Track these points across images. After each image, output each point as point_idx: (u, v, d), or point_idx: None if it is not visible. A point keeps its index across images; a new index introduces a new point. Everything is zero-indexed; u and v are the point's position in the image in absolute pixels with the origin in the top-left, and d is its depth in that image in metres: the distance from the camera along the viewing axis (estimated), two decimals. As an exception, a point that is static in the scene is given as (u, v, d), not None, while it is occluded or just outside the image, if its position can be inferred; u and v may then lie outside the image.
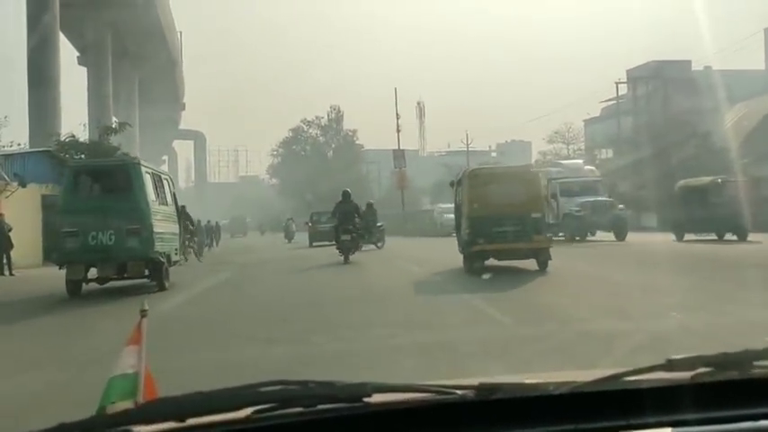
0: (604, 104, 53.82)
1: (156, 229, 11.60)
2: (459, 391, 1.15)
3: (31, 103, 31.90)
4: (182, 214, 15.10)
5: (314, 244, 27.84)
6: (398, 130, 42.34)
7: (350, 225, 16.76)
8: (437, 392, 1.15)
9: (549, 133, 52.48)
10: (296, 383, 1.14)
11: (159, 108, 70.26)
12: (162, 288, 11.78)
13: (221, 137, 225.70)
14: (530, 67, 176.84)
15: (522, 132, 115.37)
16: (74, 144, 22.80)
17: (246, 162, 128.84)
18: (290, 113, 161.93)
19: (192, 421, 1.08)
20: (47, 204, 21.28)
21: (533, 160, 54.31)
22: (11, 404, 4.51)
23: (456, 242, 13.60)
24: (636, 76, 48.40)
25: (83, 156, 22.48)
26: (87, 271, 11.72)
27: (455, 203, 14.32)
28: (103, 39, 45.14)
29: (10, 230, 18.42)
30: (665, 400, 1.15)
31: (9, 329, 8.61)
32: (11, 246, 18.36)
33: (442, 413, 1.14)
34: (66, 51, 52.58)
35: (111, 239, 11.13)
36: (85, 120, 41.82)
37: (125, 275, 11.88)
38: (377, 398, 1.12)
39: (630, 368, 1.20)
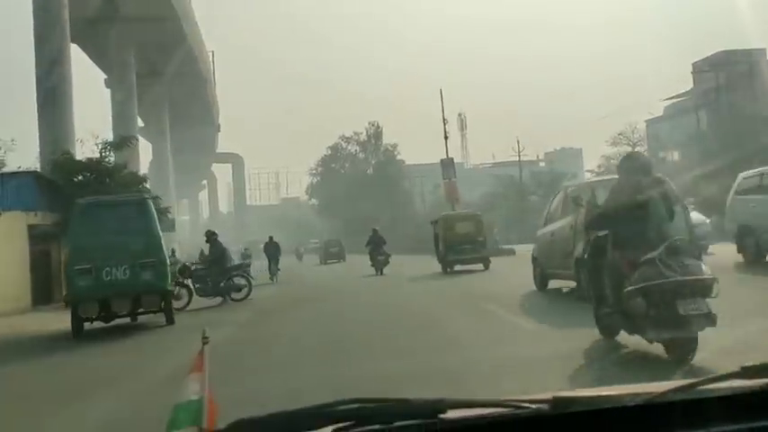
0: (668, 102, 49.16)
1: (167, 262, 12.33)
2: (533, 405, 1.16)
3: (41, 124, 29.31)
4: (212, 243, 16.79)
5: (328, 261, 42.36)
6: (446, 137, 38.46)
7: (381, 249, 23.56)
8: (512, 407, 1.17)
9: (611, 135, 47.66)
10: (372, 401, 1.19)
11: (193, 130, 68.23)
12: (171, 321, 12.05)
13: (261, 159, 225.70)
14: (576, 69, 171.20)
15: (572, 139, 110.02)
16: (68, 163, 19.71)
17: (287, 183, 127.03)
18: (329, 133, 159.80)
19: None
20: (35, 236, 18.23)
21: (596, 165, 49.37)
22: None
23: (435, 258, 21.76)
24: (703, 69, 43.69)
25: (81, 177, 19.43)
26: (101, 308, 11.70)
27: (434, 233, 22.01)
28: (126, 55, 42.86)
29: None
30: (741, 407, 1.15)
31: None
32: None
33: (518, 428, 1.15)
34: (93, 74, 50.68)
35: (125, 274, 11.52)
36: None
37: (140, 310, 12.11)
38: (452, 414, 1.15)
39: (704, 377, 1.20)
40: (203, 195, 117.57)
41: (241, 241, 61.93)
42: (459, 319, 9.66)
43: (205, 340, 1.78)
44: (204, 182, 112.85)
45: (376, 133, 72.47)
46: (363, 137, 72.62)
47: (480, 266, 19.53)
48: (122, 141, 21.56)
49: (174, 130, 62.24)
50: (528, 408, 1.16)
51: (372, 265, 23.00)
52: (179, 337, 10.39)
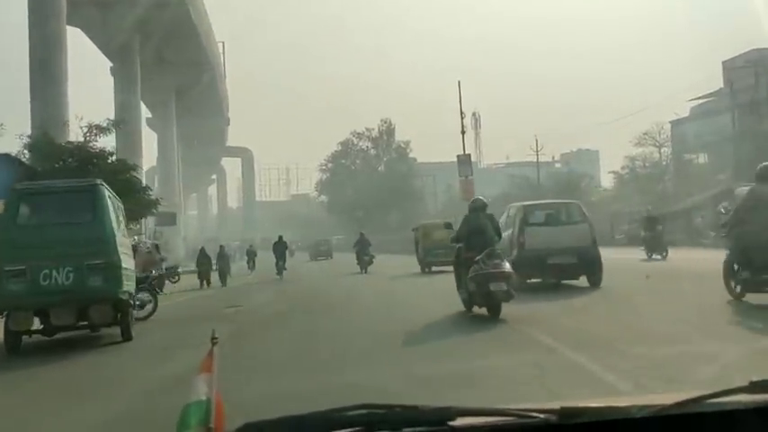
0: (695, 102, 46.91)
1: (123, 264, 9.90)
2: (542, 415, 1.17)
3: (33, 108, 27.60)
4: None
5: (318, 258, 45.23)
6: (463, 132, 36.40)
7: (366, 250, 25.88)
8: (520, 416, 1.18)
9: (635, 135, 45.31)
10: (381, 407, 1.19)
11: (202, 122, 66.71)
12: (127, 337, 9.79)
13: (272, 155, 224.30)
14: (596, 69, 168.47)
15: (589, 140, 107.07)
16: (46, 146, 17.85)
17: (297, 180, 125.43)
18: (340, 130, 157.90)
19: None
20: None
21: (620, 166, 47.01)
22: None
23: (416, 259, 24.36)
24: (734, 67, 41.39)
25: (63, 161, 17.63)
26: (41, 320, 9.76)
27: (415, 239, 24.90)
28: (131, 40, 41.12)
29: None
30: (749, 422, 1.16)
31: None
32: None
33: None
34: (100, 61, 49.10)
35: (68, 278, 9.25)
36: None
37: (87, 323, 9.83)
38: (461, 421, 1.15)
39: (713, 390, 1.19)
40: (213, 190, 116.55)
41: (246, 238, 60.44)
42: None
43: (214, 341, 1.76)
44: (214, 176, 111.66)
45: (388, 130, 70.63)
46: (375, 133, 70.76)
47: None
48: (113, 124, 19.60)
49: (182, 122, 60.76)
50: (536, 417, 1.17)
51: (358, 264, 25.86)
52: (125, 361, 8.52)
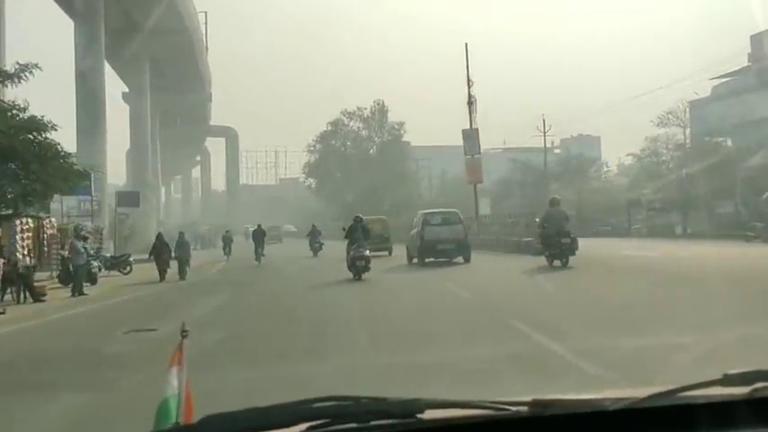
0: (717, 81, 42.99)
1: None
2: (512, 408, 1.15)
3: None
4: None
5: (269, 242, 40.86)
6: (470, 102, 31.96)
7: (317, 239, 31.28)
8: (490, 408, 1.15)
9: (657, 115, 40.95)
10: (349, 399, 1.17)
11: (182, 97, 62.09)
12: None
13: (259, 137, 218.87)
14: (596, 52, 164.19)
15: (588, 126, 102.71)
16: None
17: (286, 164, 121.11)
18: (330, 114, 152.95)
19: None
20: None
21: (639, 149, 42.58)
22: None
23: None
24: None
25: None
26: None
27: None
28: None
29: None
30: (722, 415, 1.15)
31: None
32: None
33: (496, 429, 1.14)
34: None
35: None
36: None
37: None
38: (430, 414, 1.13)
39: (687, 384, 1.19)
40: (198, 173, 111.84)
41: (217, 224, 56.88)
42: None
43: (184, 334, 1.71)
44: (198, 158, 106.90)
45: (381, 110, 66.29)
46: (367, 113, 66.36)
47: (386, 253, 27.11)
48: (20, 71, 15.12)
49: (161, 97, 56.20)
50: (507, 410, 1.15)
51: (311, 250, 30.83)
52: None
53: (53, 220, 19.28)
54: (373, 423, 1.10)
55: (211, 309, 11.83)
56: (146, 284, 18.67)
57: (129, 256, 23.35)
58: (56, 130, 14.48)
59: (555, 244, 16.25)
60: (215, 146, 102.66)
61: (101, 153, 36.02)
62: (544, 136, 48.30)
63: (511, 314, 8.83)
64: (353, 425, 1.10)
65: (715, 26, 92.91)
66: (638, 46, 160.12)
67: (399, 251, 25.06)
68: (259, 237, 29.17)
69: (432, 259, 20.51)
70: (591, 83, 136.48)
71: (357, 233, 17.02)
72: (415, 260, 21.31)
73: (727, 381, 1.17)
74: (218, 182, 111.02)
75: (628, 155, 45.24)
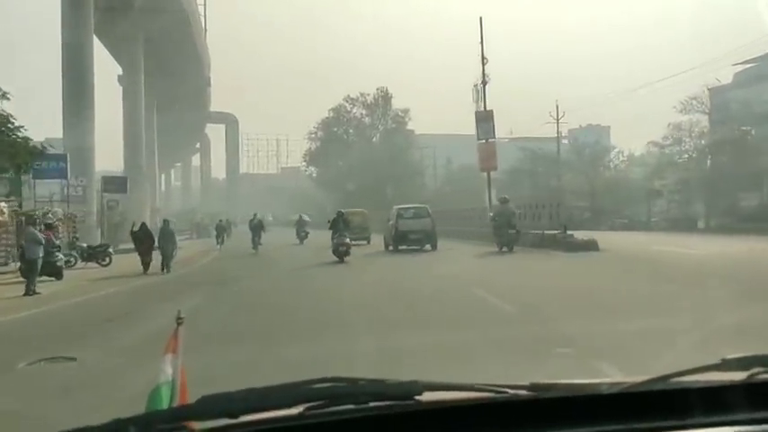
0: (740, 68, 40.78)
1: None
2: (510, 390, 1.16)
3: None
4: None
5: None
6: (484, 82, 29.89)
7: (304, 228, 34.49)
8: (489, 391, 1.16)
9: (680, 101, 38.71)
10: (347, 381, 1.17)
11: (179, 81, 59.94)
12: None
13: (260, 124, 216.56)
14: (608, 38, 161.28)
15: (595, 115, 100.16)
16: None
17: (288, 153, 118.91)
18: (332, 102, 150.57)
19: (244, 418, 1.09)
20: None
21: (660, 137, 40.36)
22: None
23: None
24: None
25: None
26: None
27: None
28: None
29: None
30: (719, 400, 1.15)
31: None
32: None
33: (494, 412, 1.14)
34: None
35: None
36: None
37: None
38: (428, 396, 1.13)
39: (684, 368, 1.19)
40: (198, 160, 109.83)
41: (215, 212, 55.12)
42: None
43: (179, 321, 1.71)
44: (198, 145, 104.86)
45: (385, 97, 64.12)
46: (370, 99, 64.22)
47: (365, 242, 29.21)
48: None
49: (158, 82, 54.13)
50: (505, 393, 1.16)
51: (297, 237, 33.55)
52: None
53: (3, 205, 17.05)
54: (371, 404, 1.10)
55: (187, 309, 9.88)
56: (122, 278, 16.67)
57: (108, 246, 21.39)
58: (7, 99, 12.42)
59: (503, 234, 20.20)
60: (215, 133, 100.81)
61: (88, 135, 34.08)
62: (557, 123, 46.27)
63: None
64: (351, 406, 1.10)
65: (734, 17, 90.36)
66: (649, 34, 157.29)
67: (378, 240, 27.51)
68: (255, 227, 29.98)
69: (404, 247, 23.68)
70: (598, 71, 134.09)
71: (339, 225, 20.19)
72: (390, 247, 24.65)
73: (725, 366, 1.18)
74: (219, 170, 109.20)
75: (649, 143, 43.03)
